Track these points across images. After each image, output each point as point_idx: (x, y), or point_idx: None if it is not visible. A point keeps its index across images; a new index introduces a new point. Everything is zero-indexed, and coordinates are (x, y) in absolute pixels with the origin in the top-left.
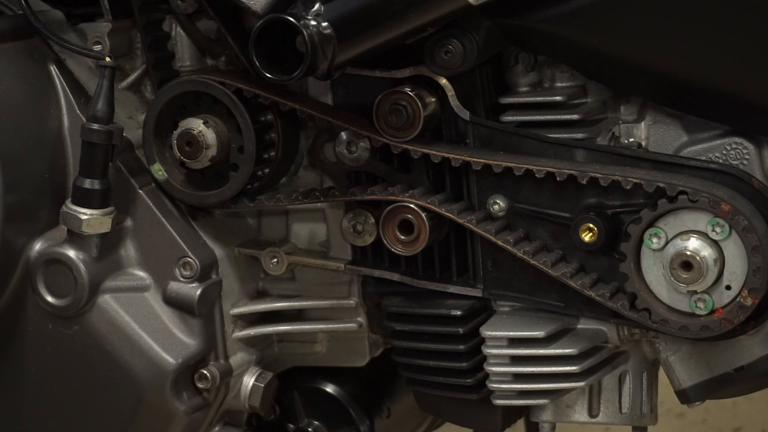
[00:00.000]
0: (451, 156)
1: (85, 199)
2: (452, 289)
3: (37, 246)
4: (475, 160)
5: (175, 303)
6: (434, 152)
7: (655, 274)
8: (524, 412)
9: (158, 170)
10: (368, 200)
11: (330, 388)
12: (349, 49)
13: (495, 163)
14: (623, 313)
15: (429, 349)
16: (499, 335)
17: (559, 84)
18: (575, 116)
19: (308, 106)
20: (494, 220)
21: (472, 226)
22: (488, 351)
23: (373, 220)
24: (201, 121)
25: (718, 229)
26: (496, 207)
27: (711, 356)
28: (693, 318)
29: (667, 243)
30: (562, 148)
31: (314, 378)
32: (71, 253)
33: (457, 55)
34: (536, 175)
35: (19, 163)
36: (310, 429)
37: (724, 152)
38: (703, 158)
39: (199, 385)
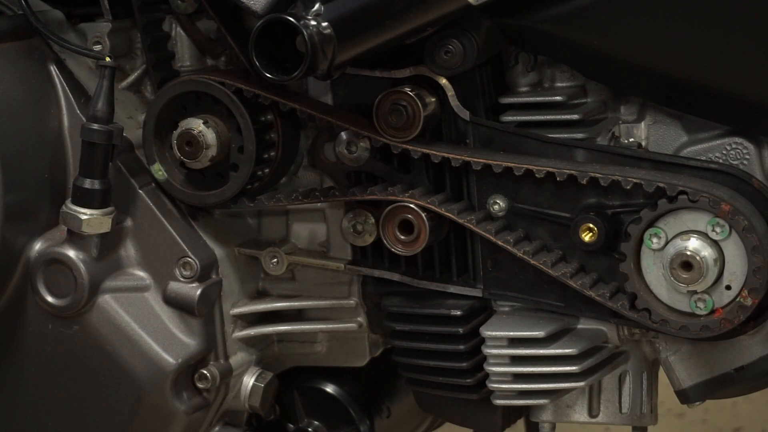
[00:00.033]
0: (451, 156)
1: (85, 199)
2: (452, 289)
3: (37, 246)
4: (475, 160)
5: (175, 303)
6: (434, 152)
7: (655, 274)
8: (524, 412)
9: (158, 170)
10: (368, 200)
11: (330, 388)
12: (349, 49)
13: (495, 163)
14: (623, 313)
15: (429, 349)
16: (499, 335)
17: (559, 84)
18: (575, 116)
19: (308, 106)
20: (494, 220)
21: (472, 226)
22: (488, 351)
23: (373, 220)
24: (201, 121)
25: (718, 229)
26: (496, 207)
27: (711, 356)
28: (693, 318)
29: (667, 243)
30: (562, 148)
31: (314, 378)
32: (71, 253)
33: (457, 55)
34: (536, 175)
35: (19, 163)
36: (310, 429)
37: (724, 152)
38: (703, 158)
39: (199, 385)
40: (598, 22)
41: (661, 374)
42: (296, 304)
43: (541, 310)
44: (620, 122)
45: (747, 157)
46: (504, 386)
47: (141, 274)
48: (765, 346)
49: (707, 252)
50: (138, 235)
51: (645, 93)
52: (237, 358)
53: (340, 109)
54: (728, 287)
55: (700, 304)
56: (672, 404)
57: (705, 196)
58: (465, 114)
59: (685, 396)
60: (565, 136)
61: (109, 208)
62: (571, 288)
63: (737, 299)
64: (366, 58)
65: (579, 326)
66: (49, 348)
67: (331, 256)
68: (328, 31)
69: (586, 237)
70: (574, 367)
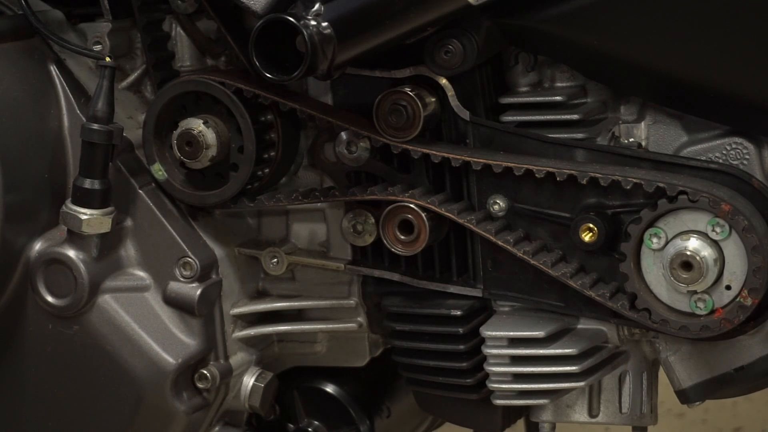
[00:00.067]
0: (451, 156)
1: (85, 199)
2: (452, 289)
3: (37, 246)
4: (475, 160)
5: (175, 303)
6: (434, 152)
7: (655, 274)
8: (524, 412)
9: (158, 170)
10: (368, 200)
11: (330, 388)
12: (349, 49)
13: (495, 163)
14: (623, 313)
15: (429, 349)
16: (499, 335)
17: (559, 84)
18: (575, 116)
19: (308, 106)
20: (494, 220)
21: (472, 226)
22: (488, 351)
23: (373, 220)
24: (201, 121)
25: (718, 229)
26: (496, 207)
27: (711, 356)
28: (693, 318)
29: (667, 243)
30: (562, 148)
31: (314, 378)
32: (71, 253)
33: (457, 55)
34: (536, 175)
35: (19, 163)
36: (310, 429)
37: (724, 152)
38: (703, 158)
39: (199, 385)
40: (598, 22)
41: (661, 374)
42: (296, 304)
43: (541, 310)
44: (620, 122)
45: (747, 157)
46: (504, 386)
47: (141, 274)
48: (765, 346)
49: (707, 252)
50: (138, 235)
51: (645, 93)
52: (237, 358)
53: (340, 109)
54: (728, 287)
55: (700, 304)
56: (672, 404)
57: (705, 196)
58: (465, 114)
59: (685, 396)
60: (565, 136)
61: (109, 208)
62: (571, 288)
63: (737, 299)
64: (366, 58)
65: (579, 326)
66: (49, 348)
67: (331, 256)
68: (328, 31)
69: (586, 237)
70: (574, 367)
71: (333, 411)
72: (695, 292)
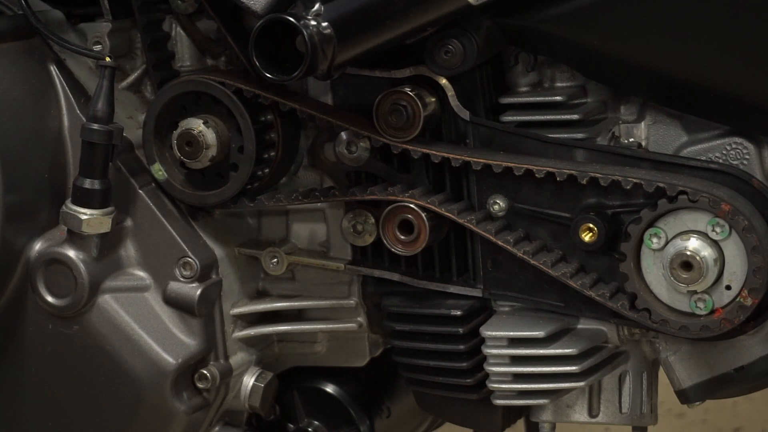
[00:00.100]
0: (451, 156)
1: (85, 199)
2: (452, 289)
3: (37, 246)
4: (475, 160)
5: (175, 303)
6: (434, 152)
7: (655, 274)
8: (524, 412)
9: (158, 170)
10: (368, 200)
11: (330, 388)
12: (349, 49)
13: (495, 163)
14: (623, 313)
15: (429, 349)
16: (499, 335)
17: (559, 84)
18: (575, 116)
19: (308, 106)
20: (494, 220)
21: (472, 226)
22: (488, 351)
23: (373, 220)
24: (201, 121)
25: (718, 229)
26: (496, 207)
27: (711, 356)
28: (693, 318)
29: (667, 243)
30: (562, 148)
31: (314, 378)
32: (71, 253)
33: (457, 55)
34: (536, 175)
35: (19, 163)
36: (310, 429)
37: (724, 152)
38: (703, 158)
39: (199, 385)
40: (598, 22)
41: (661, 374)
42: (296, 304)
43: (541, 310)
44: (620, 122)
45: (747, 157)
46: (504, 386)
47: (141, 274)
48: (765, 346)
49: (707, 252)
50: (138, 235)
51: (645, 93)
52: (237, 358)
53: (340, 109)
54: (728, 287)
55: (700, 304)
56: (672, 404)
57: (705, 196)
58: (465, 114)
59: (685, 396)
60: (565, 136)
61: (109, 208)
62: (571, 288)
63: (737, 299)
64: (366, 58)
65: (579, 326)
66: (49, 348)
67: (331, 256)
68: (328, 31)
69: (586, 237)
70: (574, 367)
71: (333, 411)
72: (695, 292)
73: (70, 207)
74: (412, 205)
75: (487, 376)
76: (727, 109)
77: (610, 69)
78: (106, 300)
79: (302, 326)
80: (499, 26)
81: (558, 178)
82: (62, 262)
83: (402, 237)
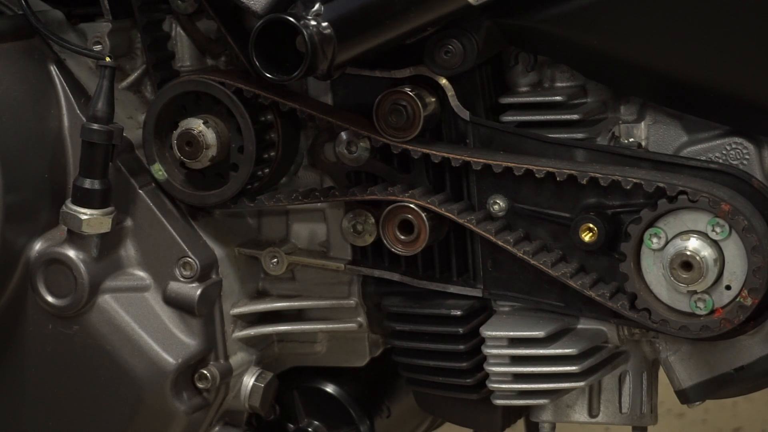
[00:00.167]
0: (451, 156)
1: (85, 199)
2: (452, 289)
3: (37, 246)
4: (475, 160)
5: (175, 303)
6: (434, 152)
7: (655, 274)
8: (524, 412)
9: (158, 170)
10: (368, 200)
11: (330, 388)
12: (349, 49)
13: (495, 163)
14: (623, 313)
15: (429, 349)
16: (499, 335)
17: (559, 84)
18: (575, 116)
19: (308, 106)
20: (494, 220)
21: (472, 226)
22: (488, 351)
23: (373, 220)
24: (201, 121)
25: (718, 229)
26: (496, 207)
27: (711, 356)
28: (693, 318)
29: (667, 243)
30: (562, 148)
31: (314, 378)
32: (71, 253)
33: (457, 55)
34: (536, 175)
35: (19, 163)
36: (310, 429)
37: (724, 152)
38: (703, 158)
39: (199, 385)
40: (598, 22)
41: (661, 374)
42: (296, 304)
43: (541, 310)
44: (620, 122)
45: (747, 157)
46: (504, 386)
47: (141, 274)
48: (765, 346)
49: (707, 252)
50: (138, 235)
51: (645, 93)
52: (237, 358)
53: (340, 109)
54: (728, 287)
55: (700, 304)
56: (672, 404)
57: (705, 196)
58: (465, 114)
59: (685, 396)
60: (565, 136)
61: (109, 208)
62: (571, 288)
63: (737, 299)
64: (366, 58)
65: (579, 326)
66: (49, 348)
67: (331, 256)
68: (328, 31)
69: (586, 237)
70: (574, 367)
71: (333, 411)
72: (695, 292)
73: (70, 207)
74: (412, 205)
75: (487, 376)
76: (727, 109)
77: (610, 69)
78: (106, 300)
79: (302, 326)
80: (499, 26)
81: (558, 178)
82: (62, 262)
83: (402, 237)
